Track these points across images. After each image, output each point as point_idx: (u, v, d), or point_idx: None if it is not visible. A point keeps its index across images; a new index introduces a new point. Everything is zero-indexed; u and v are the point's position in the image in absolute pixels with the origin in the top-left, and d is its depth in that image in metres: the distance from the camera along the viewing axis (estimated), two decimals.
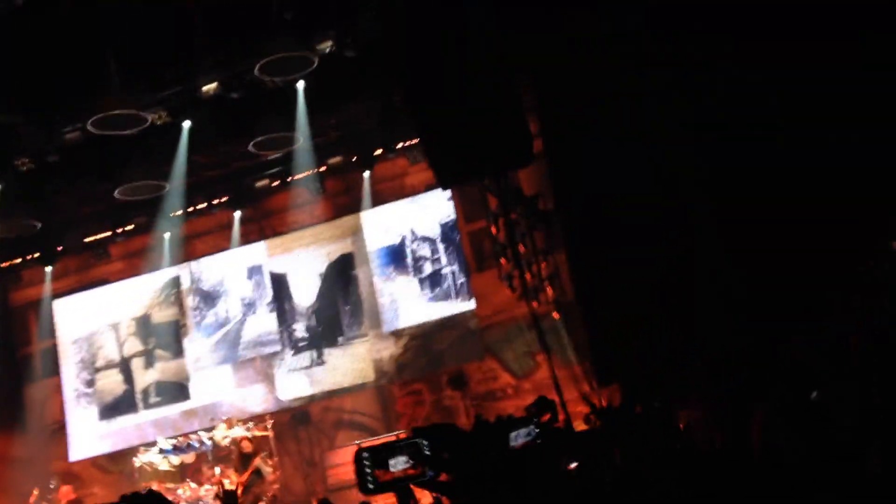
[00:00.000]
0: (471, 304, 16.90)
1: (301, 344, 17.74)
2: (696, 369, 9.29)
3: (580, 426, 9.93)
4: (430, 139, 11.87)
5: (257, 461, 15.41)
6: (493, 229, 15.50)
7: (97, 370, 18.79)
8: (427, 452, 4.49)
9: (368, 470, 4.48)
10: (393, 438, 5.00)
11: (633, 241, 10.38)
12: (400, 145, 16.75)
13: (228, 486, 15.04)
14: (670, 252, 10.04)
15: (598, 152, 10.48)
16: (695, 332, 9.78)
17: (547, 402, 8.59)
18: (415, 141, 15.83)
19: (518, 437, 4.92)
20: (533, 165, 12.21)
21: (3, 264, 18.31)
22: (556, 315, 15.10)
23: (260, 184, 17.40)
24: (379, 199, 17.54)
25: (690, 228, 9.88)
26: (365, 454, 4.54)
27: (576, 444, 6.68)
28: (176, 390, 18.26)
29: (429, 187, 16.76)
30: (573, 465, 6.03)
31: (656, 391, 8.52)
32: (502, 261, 15.19)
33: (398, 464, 4.50)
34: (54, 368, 18.94)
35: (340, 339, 17.56)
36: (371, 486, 4.53)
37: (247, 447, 15.53)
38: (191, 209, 17.64)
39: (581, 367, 15.10)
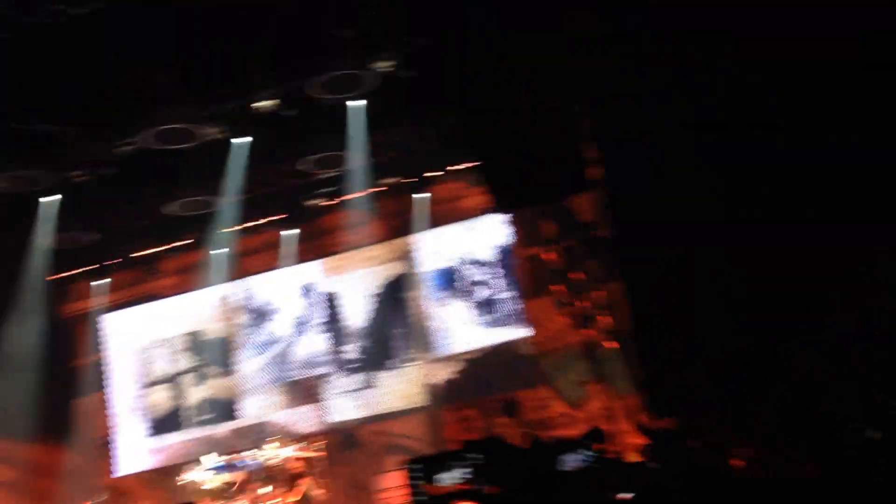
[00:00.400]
0: (524, 331, 16.65)
1: (352, 366, 17.60)
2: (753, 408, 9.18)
3: (634, 458, 9.75)
4: (488, 163, 11.83)
5: (307, 482, 15.32)
6: (549, 255, 15.36)
7: (147, 385, 18.78)
8: (479, 464, 4.43)
9: (419, 483, 4.43)
10: None
11: (689, 269, 10.26)
12: (456, 168, 16.64)
13: None
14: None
15: (653, 176, 10.40)
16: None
17: (600, 432, 8.51)
18: (472, 164, 15.70)
19: (571, 461, 4.88)
20: (591, 192, 12.12)
21: (55, 276, 18.33)
22: (612, 344, 14.87)
23: (313, 202, 17.36)
24: (434, 222, 17.36)
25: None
26: (416, 466, 4.50)
27: (629, 474, 6.55)
28: (226, 408, 18.20)
29: (485, 211, 16.56)
30: (625, 495, 5.93)
31: (711, 427, 8.44)
32: (558, 287, 15.04)
33: (449, 477, 4.43)
34: (103, 382, 18.94)
35: (392, 362, 17.40)
36: (422, 500, 4.48)
37: (297, 467, 15.45)
38: (244, 226, 17.57)
39: (636, 399, 14.86)
